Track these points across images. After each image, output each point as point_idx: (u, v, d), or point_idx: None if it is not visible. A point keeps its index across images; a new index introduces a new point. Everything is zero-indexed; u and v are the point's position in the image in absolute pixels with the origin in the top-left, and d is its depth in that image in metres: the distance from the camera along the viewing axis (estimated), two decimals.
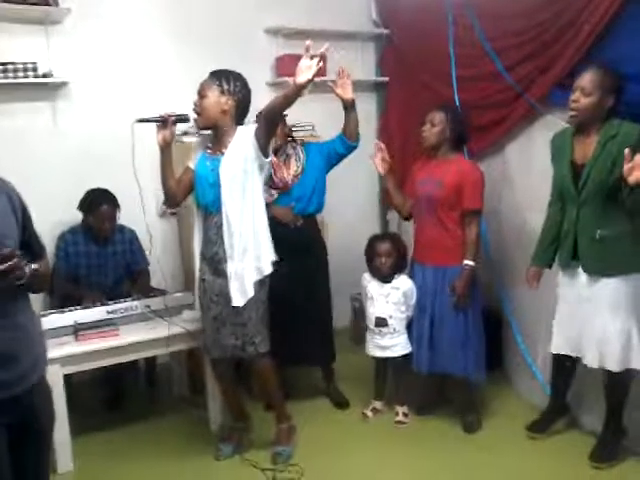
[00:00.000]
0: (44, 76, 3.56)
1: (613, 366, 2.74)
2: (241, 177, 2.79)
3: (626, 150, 2.32)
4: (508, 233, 3.64)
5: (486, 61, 3.53)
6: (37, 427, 1.89)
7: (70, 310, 3.14)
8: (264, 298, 2.92)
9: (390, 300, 3.31)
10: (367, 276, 3.42)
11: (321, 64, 2.55)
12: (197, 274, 2.99)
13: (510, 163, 3.63)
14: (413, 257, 3.38)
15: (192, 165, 2.97)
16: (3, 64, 3.41)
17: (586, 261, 2.78)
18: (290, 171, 3.39)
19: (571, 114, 2.73)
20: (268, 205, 3.19)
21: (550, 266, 3.01)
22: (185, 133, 3.65)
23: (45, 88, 3.64)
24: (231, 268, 2.82)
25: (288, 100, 2.66)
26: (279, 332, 3.12)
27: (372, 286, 3.37)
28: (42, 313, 3.11)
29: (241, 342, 2.89)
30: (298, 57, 4.08)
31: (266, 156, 2.82)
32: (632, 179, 2.31)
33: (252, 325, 2.87)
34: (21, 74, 3.46)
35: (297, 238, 3.34)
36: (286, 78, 4.19)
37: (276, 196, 3.37)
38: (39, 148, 3.67)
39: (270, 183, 3.32)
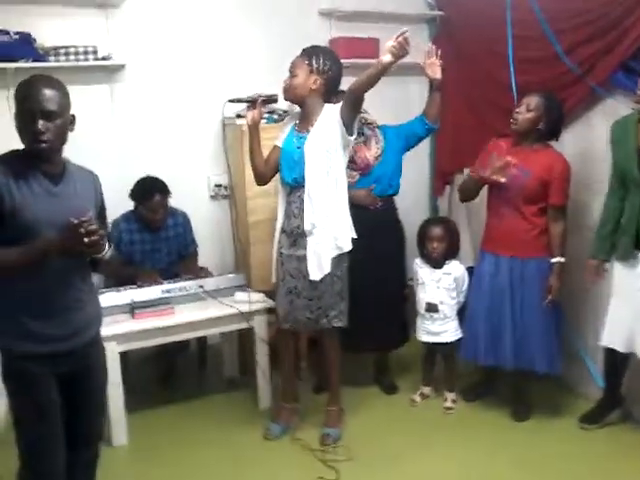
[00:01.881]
0: (103, 59, 3.62)
1: None
2: (325, 155, 2.84)
3: None
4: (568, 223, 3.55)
5: (545, 43, 3.42)
6: (91, 380, 2.09)
7: (126, 289, 3.22)
8: (341, 274, 2.95)
9: (441, 285, 3.29)
10: (419, 261, 3.40)
11: (408, 48, 2.51)
12: (276, 246, 3.06)
13: (568, 149, 3.52)
14: (483, 246, 3.27)
15: (279, 143, 3.03)
16: (65, 47, 3.48)
17: None
18: (371, 152, 3.38)
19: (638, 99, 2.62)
20: (349, 187, 3.21)
21: (609, 259, 2.93)
22: (272, 112, 3.66)
23: (104, 71, 3.70)
24: (310, 243, 2.88)
25: (371, 79, 2.67)
26: (354, 315, 3.10)
27: (423, 271, 3.35)
28: (99, 291, 3.19)
29: (315, 315, 2.95)
30: (351, 39, 4.19)
31: (351, 134, 2.84)
32: None
33: (326, 299, 2.93)
34: (82, 57, 3.52)
35: (378, 219, 3.34)
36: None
37: (357, 177, 3.36)
38: (96, 130, 3.74)
39: (351, 165, 3.30)
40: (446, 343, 3.34)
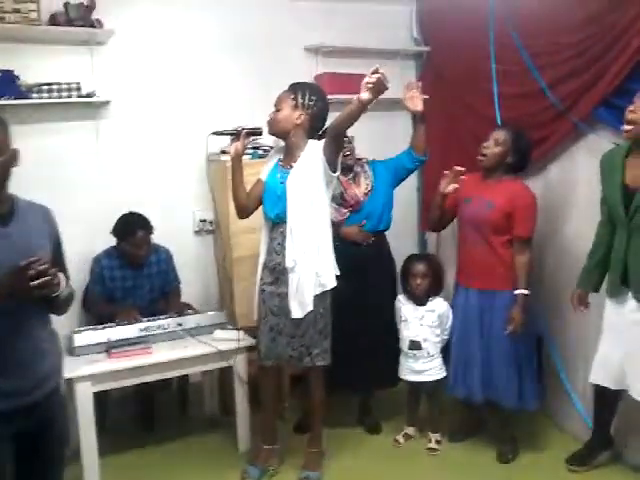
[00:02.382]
0: (87, 96, 3.63)
1: None
2: (308, 191, 2.82)
3: None
4: (549, 257, 3.51)
5: (528, 78, 3.42)
6: (49, 438, 1.94)
7: (104, 327, 3.17)
8: (324, 311, 2.91)
9: (424, 323, 3.23)
10: (402, 298, 3.36)
11: (386, 83, 2.49)
12: (258, 283, 3.03)
13: (552, 184, 3.51)
14: (457, 279, 3.27)
15: (263, 177, 3.02)
16: (49, 84, 3.49)
17: (637, 288, 2.65)
18: (361, 188, 3.36)
19: (625, 128, 2.58)
20: (339, 224, 3.22)
21: (597, 290, 2.90)
22: (257, 147, 3.67)
23: (89, 107, 3.71)
24: (292, 280, 2.84)
25: (351, 117, 2.65)
26: (341, 355, 3.04)
27: (406, 308, 3.30)
28: (76, 330, 3.16)
29: (297, 353, 2.92)
30: (337, 75, 4.20)
31: (334, 171, 2.83)
32: None
33: (309, 337, 2.89)
34: (65, 94, 3.52)
35: (370, 255, 3.31)
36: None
37: (348, 215, 3.34)
38: (81, 166, 3.73)
39: (341, 202, 3.31)
40: (430, 382, 3.27)
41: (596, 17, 3.00)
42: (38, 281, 1.71)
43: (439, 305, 3.23)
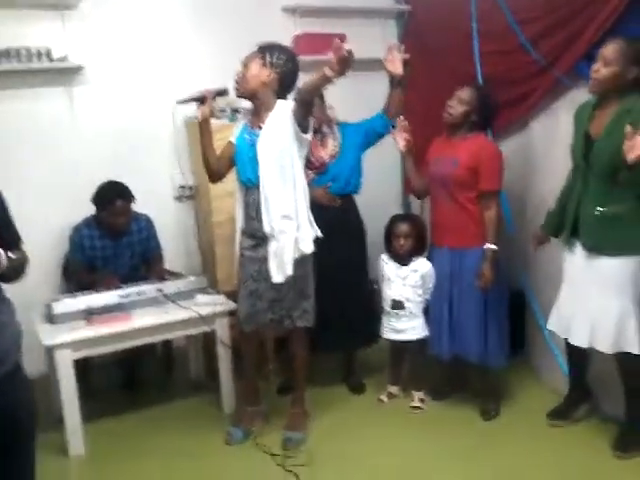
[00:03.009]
0: (59, 60, 3.55)
1: (605, 347, 2.65)
2: (278, 153, 2.76)
3: (627, 127, 2.20)
4: (532, 212, 3.50)
5: (510, 35, 3.38)
6: (15, 416, 1.76)
7: (83, 295, 3.14)
8: (304, 273, 2.89)
9: (407, 283, 3.23)
10: (385, 257, 3.34)
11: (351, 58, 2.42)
12: (237, 248, 3.00)
13: (534, 140, 3.48)
14: (431, 239, 3.28)
15: (233, 139, 2.96)
16: (17, 49, 3.41)
17: (585, 238, 2.68)
18: (327, 150, 3.31)
19: (591, 83, 2.60)
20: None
21: (556, 235, 2.93)
22: (223, 110, 3.61)
23: (61, 73, 3.63)
24: (271, 245, 2.81)
25: (316, 86, 2.63)
26: (319, 316, 3.03)
27: (389, 267, 3.29)
28: (54, 297, 3.13)
29: (278, 316, 2.91)
30: (316, 35, 4.12)
31: (305, 132, 2.77)
32: (630, 158, 2.20)
33: (288, 300, 2.88)
34: (35, 59, 3.46)
35: (336, 219, 3.26)
36: (304, 56, 4.10)
37: (313, 176, 3.29)
38: (57, 134, 3.68)
39: (307, 163, 3.22)
40: (412, 341, 3.27)
41: None
42: None
43: (422, 265, 3.22)
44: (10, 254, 1.71)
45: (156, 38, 3.89)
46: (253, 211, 2.85)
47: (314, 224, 2.89)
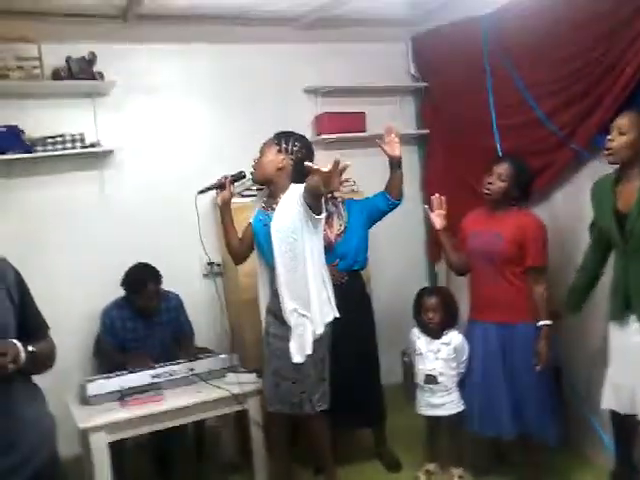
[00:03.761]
0: (91, 146, 3.68)
1: None
2: (291, 235, 2.79)
3: None
4: (556, 285, 3.48)
5: (526, 109, 3.47)
6: None
7: (116, 375, 3.14)
8: (323, 356, 2.89)
9: (440, 356, 3.19)
10: (416, 331, 3.32)
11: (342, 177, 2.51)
12: (263, 326, 3.01)
13: (557, 211, 3.51)
14: (471, 314, 3.21)
15: (252, 220, 3.03)
16: (53, 137, 3.55)
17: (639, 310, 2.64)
18: (333, 229, 3.36)
19: (606, 153, 2.66)
20: None
21: (579, 310, 2.96)
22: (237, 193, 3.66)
23: (92, 157, 3.76)
24: (292, 324, 2.81)
25: (316, 188, 2.60)
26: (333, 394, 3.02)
27: (421, 342, 3.27)
28: (88, 379, 3.13)
29: (298, 399, 2.87)
30: (337, 114, 4.25)
31: (318, 213, 2.78)
32: None
33: (310, 382, 2.85)
34: (69, 145, 3.60)
35: (343, 295, 3.24)
36: (325, 135, 4.24)
37: None
38: (88, 216, 3.77)
39: None
40: (449, 416, 3.22)
41: (589, 46, 3.05)
42: None
43: (454, 338, 3.20)
44: (30, 347, 1.66)
45: (182, 123, 4.03)
46: (276, 290, 2.88)
47: (333, 304, 2.90)
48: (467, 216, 3.28)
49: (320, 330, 2.82)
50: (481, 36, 3.73)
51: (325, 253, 3.28)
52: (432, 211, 3.26)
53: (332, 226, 3.36)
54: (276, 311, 2.90)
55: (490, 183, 3.07)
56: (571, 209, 3.40)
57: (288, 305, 2.81)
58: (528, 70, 3.44)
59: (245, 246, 3.04)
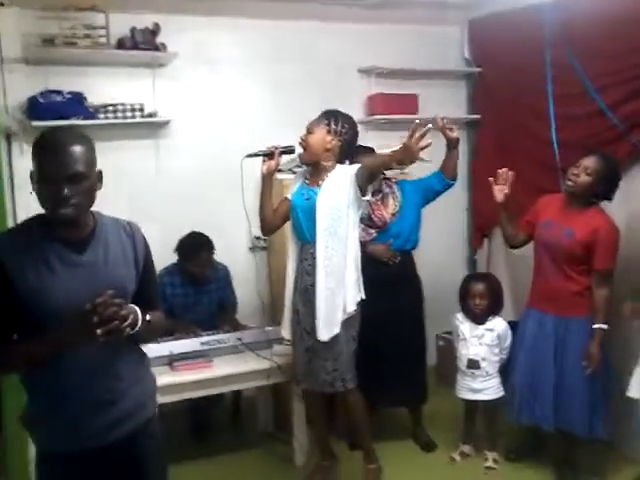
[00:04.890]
0: (150, 116, 3.76)
1: None
2: (336, 212, 2.83)
3: None
4: (618, 288, 3.46)
5: (587, 100, 3.44)
6: (141, 473, 1.80)
7: (165, 340, 3.23)
8: (354, 334, 2.93)
9: (483, 342, 3.24)
10: (460, 316, 3.36)
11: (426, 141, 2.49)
12: (290, 305, 3.04)
13: (612, 206, 3.48)
14: (529, 303, 3.20)
15: (290, 196, 3.07)
16: (114, 105, 3.63)
17: None
18: (388, 209, 3.39)
19: None
20: (366, 243, 3.24)
21: None
22: (288, 169, 3.71)
23: (150, 127, 3.83)
24: (320, 301, 2.85)
25: (380, 168, 2.79)
26: (373, 370, 3.10)
27: (465, 327, 3.31)
28: None
29: (331, 377, 2.90)
30: (389, 95, 4.26)
31: (364, 195, 2.85)
32: None
33: (342, 361, 2.89)
34: (129, 114, 3.67)
35: (395, 274, 3.33)
36: (378, 115, 4.26)
37: (375, 235, 3.38)
38: (143, 184, 3.85)
39: (369, 222, 3.36)
40: (488, 401, 3.27)
41: None
42: (104, 328, 1.50)
43: (498, 324, 3.24)
44: (148, 316, 1.69)
45: (236, 95, 4.08)
46: (309, 266, 2.91)
47: (361, 286, 2.93)
48: (543, 198, 3.21)
49: (351, 309, 2.87)
50: (543, 24, 3.70)
51: (379, 233, 3.36)
52: (497, 184, 3.19)
53: (387, 206, 3.40)
54: (306, 288, 2.93)
55: (575, 175, 2.96)
56: (629, 203, 3.34)
57: (321, 282, 2.84)
58: (591, 61, 3.41)
59: (277, 219, 3.09)
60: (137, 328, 1.64)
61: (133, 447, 1.76)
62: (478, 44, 4.51)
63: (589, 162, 2.94)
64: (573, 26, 3.50)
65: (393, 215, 3.39)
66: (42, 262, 1.61)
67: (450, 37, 4.57)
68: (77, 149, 1.60)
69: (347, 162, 3.00)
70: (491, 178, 3.22)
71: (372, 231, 3.39)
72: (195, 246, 3.52)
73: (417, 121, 2.48)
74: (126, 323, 1.56)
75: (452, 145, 3.25)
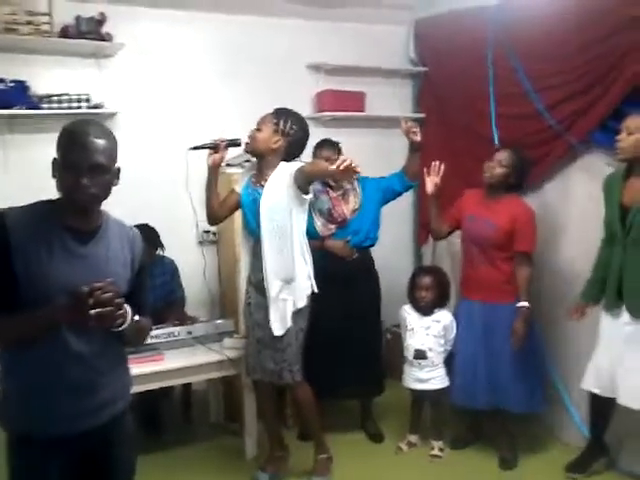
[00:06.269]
0: (95, 107, 3.68)
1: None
2: (278, 213, 2.87)
3: None
4: (543, 271, 3.65)
5: (526, 100, 3.57)
6: (112, 457, 1.83)
7: None
8: (303, 327, 2.97)
9: (430, 333, 3.34)
10: (407, 307, 3.45)
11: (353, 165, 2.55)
12: (243, 296, 3.08)
13: (548, 202, 3.64)
14: (461, 291, 3.39)
15: (238, 189, 3.09)
16: (59, 95, 3.54)
17: (630, 302, 2.81)
18: (349, 206, 3.44)
19: (617, 152, 2.82)
20: (324, 238, 3.28)
21: (597, 302, 3.04)
22: (237, 164, 3.71)
23: (96, 118, 3.70)
24: (271, 298, 2.90)
25: (322, 178, 2.94)
26: (331, 363, 3.19)
27: (412, 318, 3.40)
28: None
29: (279, 368, 2.95)
30: (338, 92, 4.32)
31: (305, 193, 2.89)
32: None
33: (291, 352, 2.93)
34: (75, 104, 3.59)
35: (353, 270, 3.39)
36: (326, 112, 4.30)
37: (334, 230, 3.42)
38: None
39: (329, 217, 3.40)
40: (434, 390, 3.36)
41: (593, 44, 3.17)
42: (97, 310, 1.54)
43: (444, 316, 3.35)
44: (136, 317, 1.73)
45: (184, 89, 4.04)
46: (260, 262, 2.94)
47: (312, 279, 2.98)
48: (465, 194, 3.43)
49: (301, 304, 2.93)
50: (486, 26, 3.81)
51: (339, 229, 3.42)
52: (429, 175, 3.36)
53: (348, 202, 3.44)
54: (258, 282, 2.97)
55: (491, 167, 3.22)
56: (561, 201, 3.55)
57: (272, 279, 2.89)
58: (532, 62, 3.54)
59: (224, 210, 3.13)
60: (126, 324, 1.67)
61: (107, 435, 1.80)
62: (424, 44, 4.60)
63: (502, 156, 3.22)
64: (516, 28, 3.63)
65: (353, 212, 3.44)
66: (45, 246, 1.65)
67: (397, 36, 4.65)
68: (102, 142, 1.68)
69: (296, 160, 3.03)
70: (425, 169, 3.38)
71: (332, 226, 3.43)
72: None
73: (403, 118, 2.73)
74: (119, 312, 1.60)
75: (415, 147, 3.31)
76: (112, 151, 1.73)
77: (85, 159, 1.65)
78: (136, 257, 1.85)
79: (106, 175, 1.70)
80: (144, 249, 3.27)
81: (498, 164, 3.20)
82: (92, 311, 1.53)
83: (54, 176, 1.71)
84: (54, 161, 1.71)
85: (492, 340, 3.20)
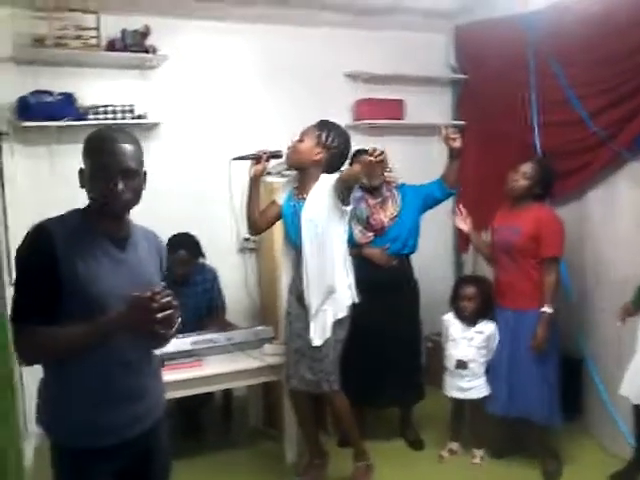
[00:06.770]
0: (139, 117, 3.77)
1: None
2: (320, 225, 2.89)
3: None
4: (589, 278, 3.59)
5: (569, 107, 3.54)
6: (153, 464, 1.85)
7: None
8: (342, 337, 2.98)
9: (473, 344, 3.31)
10: (450, 317, 3.43)
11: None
12: (284, 305, 3.11)
13: (592, 209, 3.58)
14: (495, 300, 3.38)
15: (279, 200, 3.12)
16: (104, 106, 3.65)
17: None
18: (387, 213, 3.44)
19: None
20: (362, 246, 3.29)
21: None
22: (277, 172, 3.75)
23: (140, 129, 3.82)
24: (312, 308, 2.92)
25: (355, 180, 2.85)
26: (371, 371, 3.19)
27: (455, 328, 3.38)
28: None
29: (317, 378, 2.96)
30: (376, 100, 4.33)
31: (346, 205, 2.90)
32: None
33: (328, 362, 2.94)
34: (119, 115, 3.69)
35: (390, 278, 3.39)
36: (365, 120, 4.32)
37: (372, 238, 3.43)
38: None
39: (367, 225, 3.42)
40: (475, 399, 3.33)
41: (632, 52, 3.12)
42: (162, 314, 1.56)
43: (487, 327, 3.31)
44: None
45: (226, 100, 4.11)
46: (301, 273, 2.97)
47: (354, 290, 3.00)
48: (496, 212, 3.45)
49: (342, 314, 2.94)
50: (527, 33, 3.79)
51: (377, 236, 3.42)
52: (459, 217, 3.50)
53: (386, 210, 3.44)
54: (299, 293, 3.00)
55: (515, 180, 3.23)
56: (606, 207, 3.47)
57: (313, 291, 2.91)
58: (574, 69, 3.50)
59: (264, 221, 3.15)
60: (177, 328, 1.69)
61: (149, 442, 1.82)
62: (464, 51, 4.59)
63: (526, 168, 3.23)
64: (556, 35, 3.59)
65: (391, 219, 3.43)
66: (90, 255, 1.67)
67: (436, 44, 4.65)
68: (130, 147, 1.70)
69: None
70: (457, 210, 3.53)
71: (370, 234, 3.44)
72: (174, 244, 3.53)
73: (372, 145, 2.69)
74: (178, 314, 1.63)
75: (454, 154, 3.30)
76: (140, 155, 1.75)
77: (116, 164, 1.66)
78: (162, 260, 1.90)
79: (137, 179, 1.72)
80: (182, 255, 3.40)
81: (522, 176, 3.22)
82: (159, 315, 1.55)
83: (82, 186, 1.72)
84: (81, 171, 1.72)
85: (517, 347, 3.19)
